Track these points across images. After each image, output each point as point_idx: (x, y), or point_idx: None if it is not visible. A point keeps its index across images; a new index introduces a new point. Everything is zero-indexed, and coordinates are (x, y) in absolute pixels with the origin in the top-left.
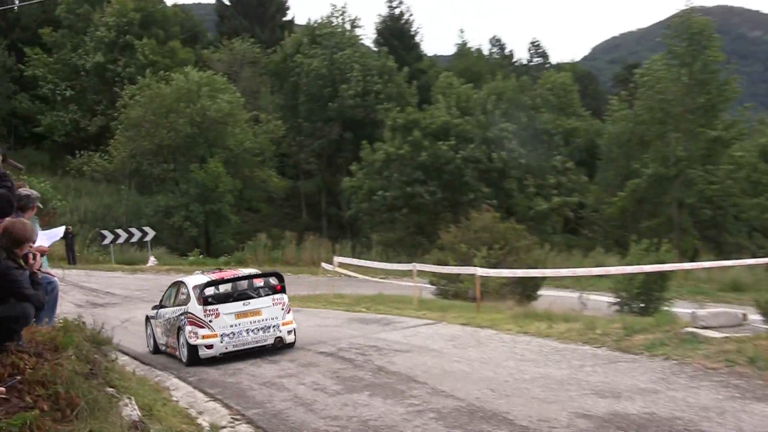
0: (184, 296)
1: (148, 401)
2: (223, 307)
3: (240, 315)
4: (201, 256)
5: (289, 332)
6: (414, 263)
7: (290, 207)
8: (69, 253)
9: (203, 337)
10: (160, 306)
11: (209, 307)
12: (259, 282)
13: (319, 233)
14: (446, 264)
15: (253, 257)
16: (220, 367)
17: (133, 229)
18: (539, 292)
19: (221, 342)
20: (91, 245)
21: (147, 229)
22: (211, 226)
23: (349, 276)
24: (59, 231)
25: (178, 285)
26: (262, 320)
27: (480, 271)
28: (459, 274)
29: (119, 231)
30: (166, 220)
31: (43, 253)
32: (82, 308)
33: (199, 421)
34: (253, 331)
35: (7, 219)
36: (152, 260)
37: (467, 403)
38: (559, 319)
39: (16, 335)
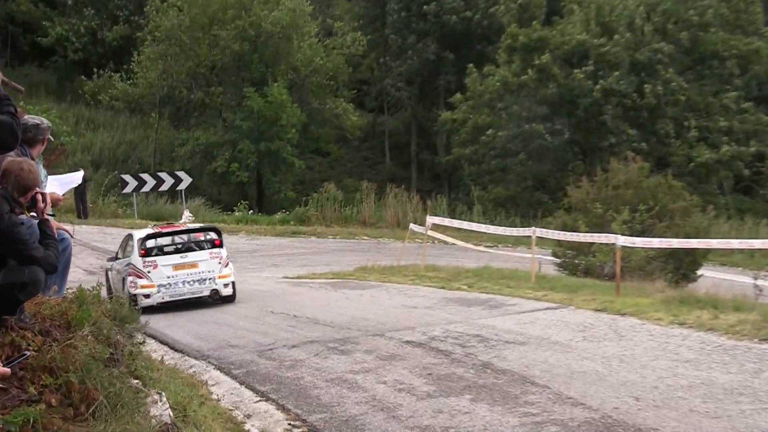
0: (131, 248)
1: (181, 399)
2: (161, 259)
3: (177, 267)
4: (250, 211)
5: (225, 285)
6: (533, 227)
7: (369, 150)
8: (79, 203)
9: (142, 287)
10: (115, 258)
11: (148, 259)
12: (198, 236)
13: (406, 185)
14: (575, 230)
15: (319, 214)
16: (275, 358)
17: (162, 174)
18: (699, 271)
19: (158, 292)
20: (109, 194)
21: (181, 174)
22: (266, 173)
23: (446, 242)
24: (77, 176)
25: (128, 238)
26: (199, 273)
27: (621, 240)
28: (592, 244)
29: (145, 176)
30: (207, 164)
31: (55, 203)
32: (94, 275)
33: (247, 426)
34: (189, 282)
35: (9, 158)
36: (187, 215)
37: (602, 414)
38: (728, 306)
39: (18, 307)
